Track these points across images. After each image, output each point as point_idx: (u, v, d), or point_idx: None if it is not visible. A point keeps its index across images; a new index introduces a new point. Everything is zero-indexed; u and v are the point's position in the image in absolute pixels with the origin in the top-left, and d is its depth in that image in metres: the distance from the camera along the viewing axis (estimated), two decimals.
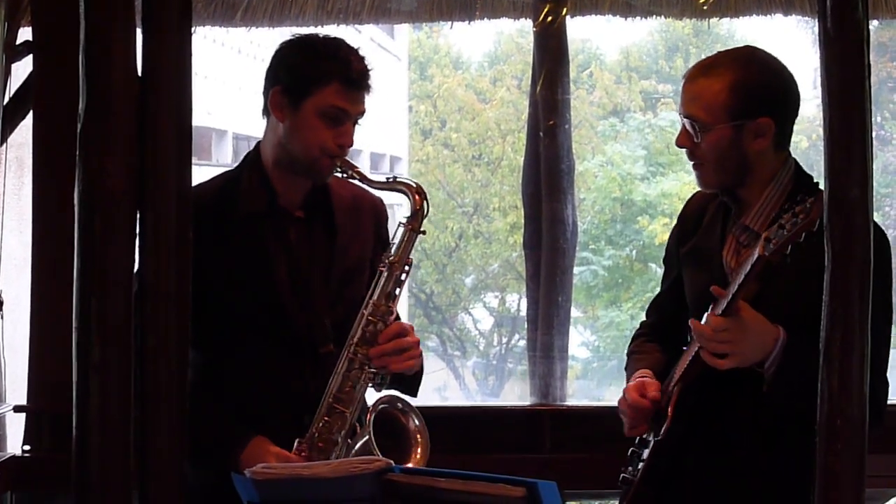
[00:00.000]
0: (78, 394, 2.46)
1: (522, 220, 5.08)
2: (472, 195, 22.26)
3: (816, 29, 2.77)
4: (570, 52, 4.99)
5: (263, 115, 2.80)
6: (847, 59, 2.67)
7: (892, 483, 3.56)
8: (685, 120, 2.64)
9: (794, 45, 28.75)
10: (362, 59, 2.75)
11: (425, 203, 2.73)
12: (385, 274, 2.71)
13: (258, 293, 2.72)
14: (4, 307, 3.57)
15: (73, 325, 2.48)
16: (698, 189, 2.88)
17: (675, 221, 2.96)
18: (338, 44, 2.76)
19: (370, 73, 2.74)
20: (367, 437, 2.58)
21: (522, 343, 19.51)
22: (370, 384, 2.69)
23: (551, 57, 4.83)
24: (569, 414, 4.40)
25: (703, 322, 2.55)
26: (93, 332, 2.45)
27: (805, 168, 2.79)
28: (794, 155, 2.76)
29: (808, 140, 20.20)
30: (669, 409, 2.64)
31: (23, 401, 3.59)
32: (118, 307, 2.47)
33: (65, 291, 2.60)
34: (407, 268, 2.74)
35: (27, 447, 3.53)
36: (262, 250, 2.74)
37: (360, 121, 2.77)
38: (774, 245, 2.38)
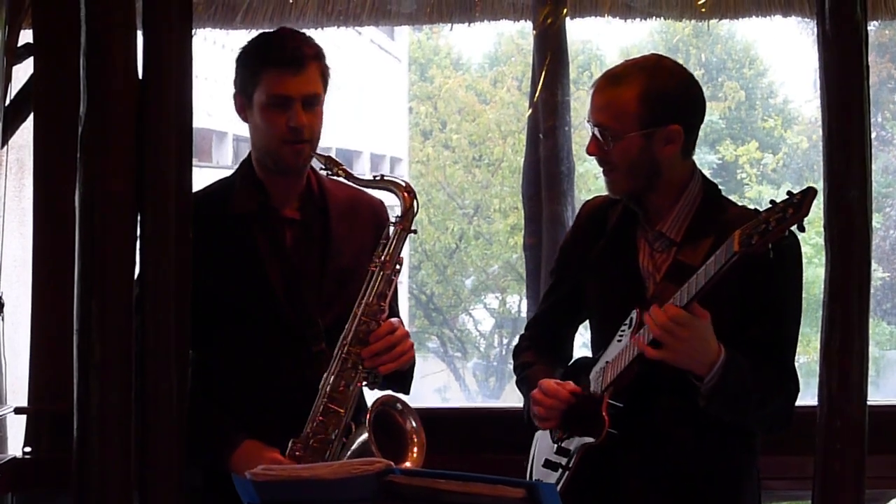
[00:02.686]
0: (79, 393, 2.47)
1: (523, 222, 5.08)
2: (473, 196, 22.29)
3: (816, 30, 2.77)
4: (569, 54, 5.00)
5: None
6: (846, 60, 2.67)
7: (892, 484, 3.56)
8: (595, 128, 2.65)
9: (793, 46, 28.78)
10: (298, 39, 2.71)
11: (415, 202, 2.72)
12: (376, 273, 2.71)
13: (250, 292, 2.73)
14: (5, 309, 3.58)
15: (74, 325, 2.48)
16: (588, 199, 2.89)
17: None
18: (275, 33, 2.75)
19: (305, 48, 2.68)
20: (364, 435, 2.58)
21: None
22: (364, 383, 2.69)
23: (551, 58, 4.84)
24: None
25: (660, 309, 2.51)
26: (93, 333, 2.46)
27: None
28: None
29: (808, 141, 20.15)
30: (604, 413, 2.59)
31: (23, 402, 3.59)
32: (118, 308, 2.47)
33: (65, 292, 2.61)
34: (398, 267, 2.73)
35: (28, 449, 3.53)
36: (255, 250, 2.75)
37: (319, 102, 2.72)
38: (756, 241, 2.37)
